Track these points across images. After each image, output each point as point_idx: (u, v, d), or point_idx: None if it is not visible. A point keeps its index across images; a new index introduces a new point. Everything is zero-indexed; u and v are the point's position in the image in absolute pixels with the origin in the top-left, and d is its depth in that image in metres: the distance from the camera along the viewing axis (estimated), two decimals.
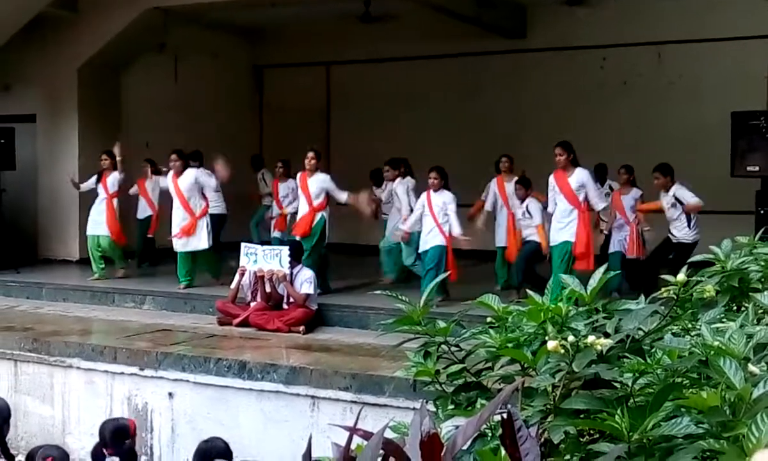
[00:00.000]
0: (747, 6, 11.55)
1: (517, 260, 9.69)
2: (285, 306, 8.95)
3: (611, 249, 10.12)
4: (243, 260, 9.03)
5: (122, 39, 12.54)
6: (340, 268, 11.85)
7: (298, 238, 9.62)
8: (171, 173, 10.53)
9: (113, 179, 11.19)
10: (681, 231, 9.40)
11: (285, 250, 8.92)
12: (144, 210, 12.25)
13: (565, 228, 8.62)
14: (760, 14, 11.58)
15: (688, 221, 9.40)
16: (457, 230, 9.22)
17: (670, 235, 9.53)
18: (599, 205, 9.10)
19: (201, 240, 10.38)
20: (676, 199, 9.37)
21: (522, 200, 9.89)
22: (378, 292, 10.13)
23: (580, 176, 8.69)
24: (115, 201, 11.22)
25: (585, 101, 13.30)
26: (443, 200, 9.32)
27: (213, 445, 5.66)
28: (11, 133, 12.21)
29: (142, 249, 12.37)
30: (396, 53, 14.46)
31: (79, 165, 12.60)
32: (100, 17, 12.42)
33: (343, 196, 9.90)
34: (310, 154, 9.94)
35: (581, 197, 8.65)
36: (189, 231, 10.29)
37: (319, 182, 9.84)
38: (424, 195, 9.57)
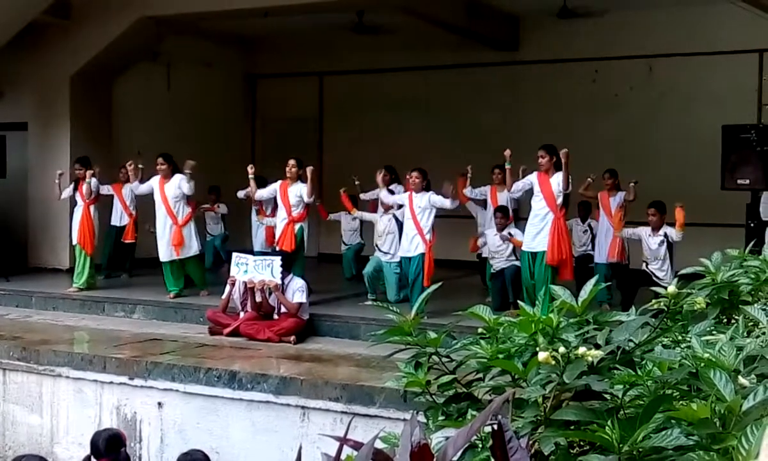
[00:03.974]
0: (738, 20, 11.62)
1: (505, 286, 9.54)
2: (275, 316, 8.93)
3: (597, 259, 10.05)
4: (233, 270, 9.00)
5: (115, 47, 12.53)
6: (331, 278, 11.85)
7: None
8: (158, 177, 10.38)
9: (88, 186, 10.91)
10: (663, 272, 9.03)
11: (277, 260, 8.90)
12: (121, 217, 11.94)
13: (540, 233, 8.53)
14: (751, 28, 11.65)
15: (671, 261, 9.15)
16: (449, 202, 9.17)
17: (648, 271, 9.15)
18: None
19: (191, 248, 10.33)
20: (666, 238, 9.14)
21: (501, 228, 9.73)
22: (368, 303, 10.13)
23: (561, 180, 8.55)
24: (92, 208, 10.91)
25: (577, 114, 13.35)
26: (426, 200, 9.24)
27: (193, 458, 5.67)
28: (2, 140, 12.18)
29: (112, 257, 12.02)
30: (388, 64, 14.50)
31: (70, 173, 12.56)
32: (93, 25, 12.41)
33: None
34: (291, 162, 9.85)
35: (559, 201, 8.57)
36: (178, 241, 10.23)
37: (298, 190, 9.76)
38: (406, 195, 9.51)
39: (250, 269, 8.89)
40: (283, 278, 8.81)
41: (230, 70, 15.72)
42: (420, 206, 9.25)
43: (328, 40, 14.39)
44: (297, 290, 8.83)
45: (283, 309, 8.86)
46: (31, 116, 13.05)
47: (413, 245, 9.23)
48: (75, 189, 11.10)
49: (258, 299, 8.89)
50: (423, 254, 9.14)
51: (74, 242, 11.03)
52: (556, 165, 8.57)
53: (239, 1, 11.74)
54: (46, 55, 12.71)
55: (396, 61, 14.39)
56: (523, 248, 8.78)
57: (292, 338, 8.57)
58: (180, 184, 10.25)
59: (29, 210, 13.22)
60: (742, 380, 1.79)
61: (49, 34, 12.63)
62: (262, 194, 10.28)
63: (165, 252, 10.29)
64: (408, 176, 9.64)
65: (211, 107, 14.94)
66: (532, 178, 8.72)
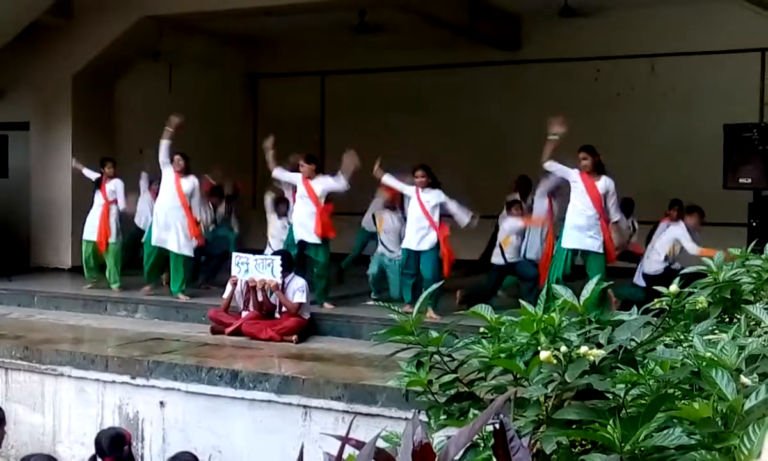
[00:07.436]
0: (740, 19, 11.62)
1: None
2: (277, 315, 8.94)
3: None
4: (234, 270, 9.01)
5: (117, 47, 12.55)
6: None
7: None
8: (172, 171, 10.25)
9: (113, 186, 10.85)
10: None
11: (277, 259, 8.92)
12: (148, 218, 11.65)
13: (593, 235, 8.49)
14: (753, 27, 11.65)
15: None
16: (466, 220, 9.26)
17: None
18: (615, 216, 8.78)
19: (189, 248, 10.27)
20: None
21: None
22: (371, 302, 10.10)
23: (606, 184, 8.53)
24: (113, 208, 10.85)
25: (578, 113, 13.30)
26: (435, 198, 9.16)
27: (181, 460, 5.69)
28: (4, 140, 12.20)
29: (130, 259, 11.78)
30: (390, 63, 14.50)
31: (72, 173, 12.56)
32: (94, 25, 12.42)
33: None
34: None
35: (604, 204, 8.54)
36: (196, 234, 10.20)
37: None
38: (412, 188, 9.35)
39: (250, 269, 8.90)
40: (283, 278, 8.82)
41: (232, 70, 15.73)
42: (428, 202, 9.16)
43: (330, 39, 14.39)
44: (297, 290, 8.84)
45: (284, 308, 8.87)
46: (33, 115, 13.07)
47: (421, 237, 9.11)
48: (97, 187, 10.92)
49: (260, 298, 8.90)
50: (436, 246, 9.07)
51: (85, 237, 10.87)
52: (599, 167, 8.55)
53: (240, 0, 11.74)
54: (47, 55, 12.72)
55: (398, 61, 14.39)
56: (566, 245, 8.62)
57: (294, 337, 8.57)
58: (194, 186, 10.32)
59: (31, 210, 13.23)
60: (744, 379, 1.79)
61: (51, 34, 12.64)
62: (281, 175, 10.05)
63: (168, 242, 10.15)
64: (414, 176, 9.48)
65: (213, 107, 14.94)
66: (574, 174, 8.59)
